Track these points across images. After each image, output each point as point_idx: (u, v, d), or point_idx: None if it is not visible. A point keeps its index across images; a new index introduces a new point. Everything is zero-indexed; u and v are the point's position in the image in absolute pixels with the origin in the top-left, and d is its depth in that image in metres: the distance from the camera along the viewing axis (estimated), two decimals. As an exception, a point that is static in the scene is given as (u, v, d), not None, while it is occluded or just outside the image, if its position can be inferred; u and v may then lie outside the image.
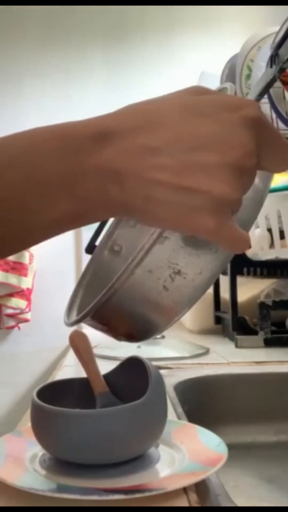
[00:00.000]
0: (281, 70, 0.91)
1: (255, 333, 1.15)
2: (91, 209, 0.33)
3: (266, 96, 1.07)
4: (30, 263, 1.86)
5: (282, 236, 1.16)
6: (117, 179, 0.32)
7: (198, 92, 0.34)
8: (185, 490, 0.44)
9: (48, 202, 0.32)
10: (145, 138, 0.31)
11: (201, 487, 0.44)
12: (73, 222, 0.34)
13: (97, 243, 0.60)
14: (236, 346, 1.15)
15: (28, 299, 1.86)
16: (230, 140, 0.32)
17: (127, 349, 1.06)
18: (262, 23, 1.67)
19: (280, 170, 0.36)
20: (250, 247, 0.35)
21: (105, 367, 0.55)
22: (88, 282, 0.57)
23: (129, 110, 0.33)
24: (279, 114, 1.13)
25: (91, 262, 0.58)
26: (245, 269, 1.19)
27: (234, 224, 0.33)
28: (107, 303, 0.42)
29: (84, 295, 0.56)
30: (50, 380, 0.75)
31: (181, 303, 0.42)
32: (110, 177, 0.32)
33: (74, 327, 0.55)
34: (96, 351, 0.52)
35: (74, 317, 0.51)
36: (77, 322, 0.46)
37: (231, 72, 1.30)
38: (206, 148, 0.31)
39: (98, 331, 0.47)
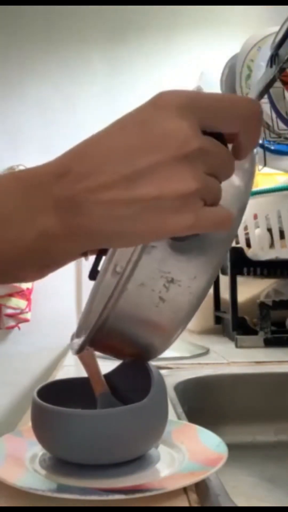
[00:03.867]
0: (281, 70, 0.91)
1: (255, 333, 1.15)
2: (55, 243, 0.33)
3: (266, 96, 1.07)
4: (30, 263, 1.86)
5: (282, 236, 1.16)
6: (78, 210, 0.32)
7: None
8: (185, 490, 0.44)
9: (10, 237, 0.33)
10: (97, 172, 0.31)
11: (201, 487, 0.44)
12: (40, 257, 0.34)
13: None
14: (236, 346, 1.15)
15: (28, 299, 1.86)
16: (161, 135, 0.31)
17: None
18: (262, 23, 1.67)
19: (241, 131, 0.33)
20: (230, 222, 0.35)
21: (105, 367, 0.55)
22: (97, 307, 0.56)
23: (85, 149, 0.33)
24: (279, 114, 1.13)
25: (95, 289, 0.57)
26: (245, 269, 1.19)
27: (210, 210, 0.33)
28: (106, 324, 0.40)
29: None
30: (50, 380, 0.75)
31: (181, 312, 0.40)
32: (71, 209, 0.32)
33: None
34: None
35: (78, 339, 0.50)
36: (84, 343, 0.45)
37: (231, 72, 1.30)
38: (141, 153, 0.31)
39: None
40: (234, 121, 0.33)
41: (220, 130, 0.33)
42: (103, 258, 0.57)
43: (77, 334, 0.53)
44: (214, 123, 0.33)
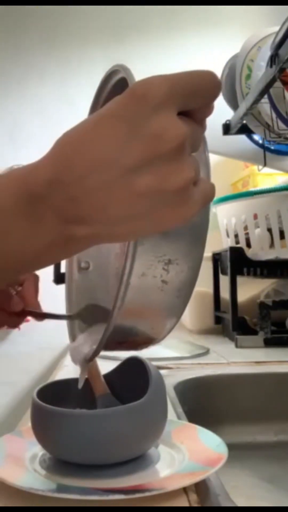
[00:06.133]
0: (281, 70, 0.91)
1: (255, 333, 1.15)
2: (59, 252, 0.34)
3: (266, 96, 1.08)
4: (30, 263, 1.86)
5: (282, 236, 1.16)
6: (80, 219, 0.32)
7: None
8: (185, 490, 0.44)
9: (15, 253, 0.33)
10: (90, 177, 0.31)
11: (201, 487, 0.44)
12: (42, 264, 0.35)
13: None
14: (236, 346, 1.15)
15: (28, 299, 1.85)
16: (148, 133, 0.31)
17: (127, 349, 1.06)
18: (262, 23, 1.67)
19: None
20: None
21: (105, 367, 0.55)
22: (77, 306, 0.56)
23: (71, 155, 0.32)
24: (279, 114, 1.13)
25: (68, 290, 0.58)
26: (245, 269, 1.19)
27: (197, 190, 0.33)
28: (116, 324, 0.41)
29: (80, 322, 0.55)
30: (50, 380, 0.75)
31: (185, 287, 0.41)
32: (72, 219, 0.32)
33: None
34: (96, 351, 0.52)
35: (81, 349, 0.50)
36: (98, 349, 0.45)
37: (231, 72, 1.30)
38: (131, 150, 0.31)
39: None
40: (203, 98, 0.33)
41: (191, 108, 0.33)
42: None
43: (74, 339, 0.54)
44: (189, 104, 0.33)
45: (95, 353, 0.46)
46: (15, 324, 0.54)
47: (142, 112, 0.31)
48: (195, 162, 0.33)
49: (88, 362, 0.49)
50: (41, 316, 0.53)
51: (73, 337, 0.54)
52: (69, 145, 0.32)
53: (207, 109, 0.34)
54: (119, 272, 0.51)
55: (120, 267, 0.52)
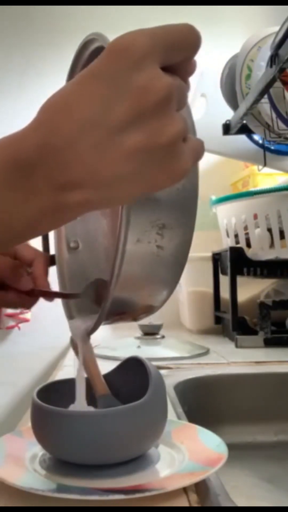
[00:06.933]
0: (281, 70, 0.91)
1: (255, 333, 1.15)
2: (50, 219, 0.32)
3: (266, 96, 1.08)
4: (30, 263, 1.86)
5: (282, 236, 1.16)
6: (73, 184, 0.31)
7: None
8: (185, 490, 0.44)
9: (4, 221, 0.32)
10: (83, 142, 0.30)
11: (201, 487, 0.44)
12: (33, 232, 0.34)
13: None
14: (236, 346, 1.15)
15: (28, 299, 1.85)
16: (133, 88, 0.30)
17: (127, 349, 1.06)
18: (262, 23, 1.67)
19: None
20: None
21: (105, 367, 0.55)
22: (71, 287, 0.56)
23: (57, 118, 0.31)
24: (279, 114, 1.13)
25: (60, 271, 0.57)
26: (245, 269, 1.19)
27: (188, 146, 0.33)
28: (115, 295, 0.41)
29: (76, 300, 0.55)
30: (50, 380, 0.75)
31: (180, 253, 0.41)
32: (65, 185, 0.31)
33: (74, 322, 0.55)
34: (96, 351, 0.52)
35: (81, 323, 0.50)
36: (99, 321, 0.45)
37: (231, 72, 1.30)
38: (117, 107, 0.30)
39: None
40: (185, 50, 0.33)
41: (174, 62, 0.32)
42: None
43: (71, 316, 0.53)
44: (171, 58, 0.32)
45: (96, 325, 0.45)
46: (26, 305, 0.53)
47: (124, 67, 0.30)
48: (183, 116, 0.32)
49: (89, 335, 0.49)
50: (51, 295, 0.52)
51: (69, 317, 0.54)
52: (54, 109, 0.31)
53: (189, 64, 0.33)
54: (109, 249, 0.50)
55: (109, 245, 0.51)
